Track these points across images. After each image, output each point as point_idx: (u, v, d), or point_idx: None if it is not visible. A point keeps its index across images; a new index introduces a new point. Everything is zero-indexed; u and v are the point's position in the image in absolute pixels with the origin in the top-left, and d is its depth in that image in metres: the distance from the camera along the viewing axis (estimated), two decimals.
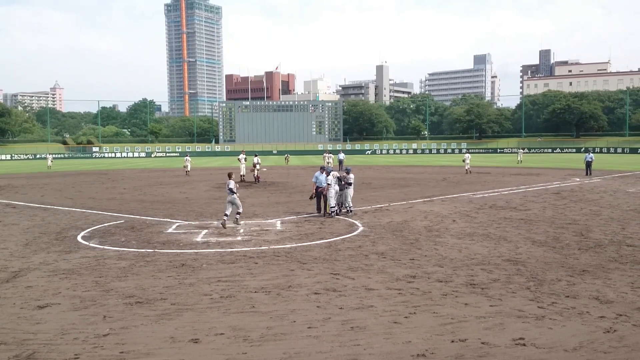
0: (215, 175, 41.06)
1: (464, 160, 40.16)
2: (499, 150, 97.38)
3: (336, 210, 17.70)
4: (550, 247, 12.38)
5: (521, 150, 58.19)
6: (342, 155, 48.88)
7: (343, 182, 18.11)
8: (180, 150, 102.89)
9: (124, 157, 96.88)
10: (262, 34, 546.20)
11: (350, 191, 18.23)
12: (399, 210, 19.26)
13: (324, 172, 18.06)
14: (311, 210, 18.60)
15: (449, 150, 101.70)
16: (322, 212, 17.95)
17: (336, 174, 18.41)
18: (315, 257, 11.57)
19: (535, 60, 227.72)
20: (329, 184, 17.56)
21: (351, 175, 18.34)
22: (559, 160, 62.71)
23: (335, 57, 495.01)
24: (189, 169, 41.86)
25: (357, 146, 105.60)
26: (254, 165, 32.24)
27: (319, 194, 17.97)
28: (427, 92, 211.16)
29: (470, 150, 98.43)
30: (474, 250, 12.20)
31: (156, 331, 7.16)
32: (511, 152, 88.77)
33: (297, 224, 16.23)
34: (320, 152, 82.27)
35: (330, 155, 49.66)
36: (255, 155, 33.68)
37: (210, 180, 35.48)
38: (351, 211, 18.05)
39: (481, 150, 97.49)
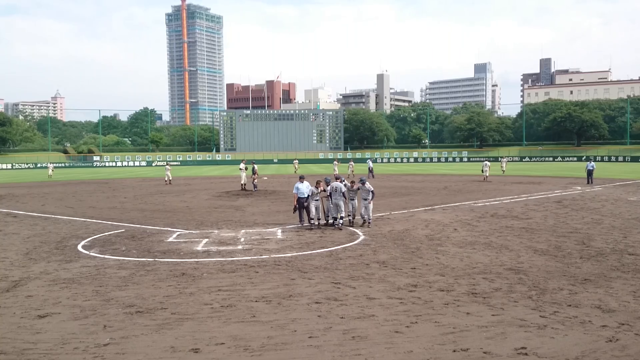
0: (215, 184, 41.09)
1: (488, 167, 40.38)
2: (500, 159, 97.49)
3: (336, 221, 17.07)
4: (552, 256, 12.35)
5: (504, 160, 56.87)
6: (370, 164, 49.12)
7: (352, 190, 17.54)
8: (181, 159, 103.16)
9: (125, 166, 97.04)
10: (263, 43, 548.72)
11: (367, 203, 17.24)
12: (400, 219, 19.23)
13: (303, 181, 17.63)
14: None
15: (450, 159, 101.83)
16: (305, 222, 17.43)
17: (348, 184, 17.75)
18: (316, 266, 11.54)
19: (535, 68, 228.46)
20: (330, 195, 17.24)
21: (367, 185, 17.25)
22: (560, 168, 62.71)
23: (335, 66, 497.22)
24: (170, 178, 41.57)
25: (358, 155, 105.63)
26: (254, 173, 32.32)
27: (301, 205, 17.37)
28: (427, 100, 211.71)
29: (471, 159, 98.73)
30: (475, 259, 12.17)
31: (156, 341, 7.13)
32: (511, 161, 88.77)
33: (298, 233, 16.20)
34: (329, 161, 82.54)
35: (352, 163, 50.17)
36: (253, 163, 33.75)
37: (211, 189, 35.49)
38: (369, 223, 17.20)
39: (482, 159, 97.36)
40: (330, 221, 17.33)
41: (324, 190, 17.42)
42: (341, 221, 16.91)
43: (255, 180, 32.40)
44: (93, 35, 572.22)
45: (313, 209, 17.16)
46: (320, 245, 14.06)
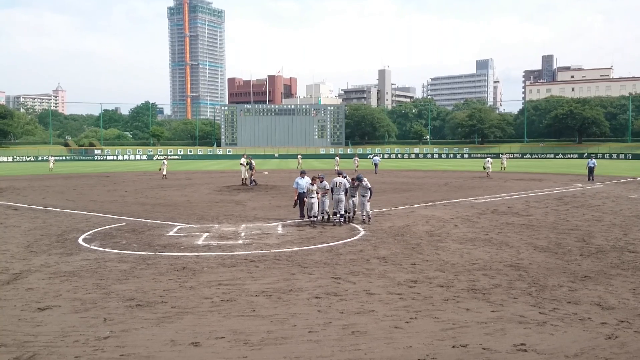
0: (216, 178, 41.11)
1: (490, 163, 40.37)
2: (501, 155, 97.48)
3: (334, 217, 16.98)
4: (552, 253, 12.35)
5: (505, 156, 56.14)
6: (377, 159, 48.86)
7: (354, 186, 17.11)
8: (182, 153, 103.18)
9: (126, 159, 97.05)
10: (265, 38, 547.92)
11: (365, 200, 16.93)
12: (400, 214, 19.24)
13: (304, 177, 17.50)
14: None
15: (451, 155, 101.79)
16: (305, 217, 17.27)
17: (349, 180, 17.40)
18: (316, 261, 11.56)
19: (537, 65, 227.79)
20: (326, 191, 17.05)
21: (365, 183, 16.92)
22: (561, 165, 62.67)
23: (337, 61, 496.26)
24: (164, 172, 41.04)
25: (359, 150, 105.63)
26: (251, 168, 32.12)
27: (302, 200, 17.29)
28: (429, 96, 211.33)
29: (472, 156, 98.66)
30: (475, 255, 12.17)
31: (156, 334, 7.15)
32: (512, 158, 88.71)
33: (299, 228, 16.21)
34: (330, 156, 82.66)
35: (357, 158, 50.09)
36: (250, 159, 33.52)
37: (212, 183, 35.51)
38: (369, 220, 16.98)
39: (483, 155, 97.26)
40: (326, 217, 17.31)
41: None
42: (342, 219, 16.87)
43: (253, 176, 32.28)
44: (94, 28, 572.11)
45: (315, 207, 16.82)
46: (320, 241, 14.08)
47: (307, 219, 17.23)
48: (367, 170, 46.14)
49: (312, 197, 16.88)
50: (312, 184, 16.94)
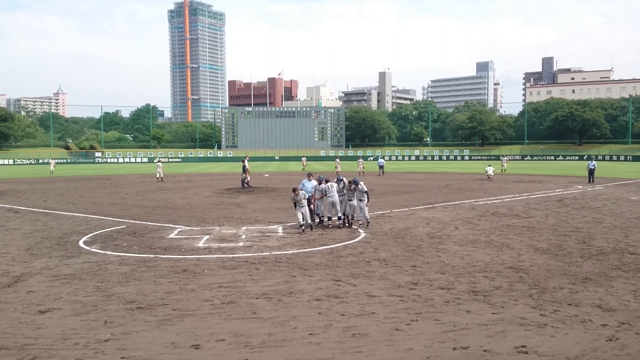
0: (217, 180, 41.11)
1: (492, 170, 40.30)
2: (501, 157, 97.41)
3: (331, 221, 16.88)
4: (553, 255, 12.35)
5: (505, 158, 55.86)
6: (381, 161, 48.70)
7: (350, 190, 16.87)
8: (182, 156, 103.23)
9: (127, 162, 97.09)
10: (265, 40, 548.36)
11: (363, 204, 16.58)
12: (401, 216, 19.23)
13: (311, 179, 17.44)
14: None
15: (451, 157, 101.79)
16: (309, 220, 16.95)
17: (346, 183, 17.12)
18: (316, 264, 11.56)
19: (537, 67, 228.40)
20: (322, 195, 16.95)
21: (361, 186, 16.58)
22: (561, 167, 62.64)
23: (338, 63, 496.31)
24: (161, 175, 40.80)
25: (360, 152, 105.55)
26: (244, 171, 31.81)
27: (308, 203, 16.88)
28: (429, 98, 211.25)
29: (472, 158, 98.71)
30: (476, 257, 12.17)
31: (157, 337, 7.15)
32: (513, 160, 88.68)
33: (299, 230, 16.19)
34: (330, 159, 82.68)
35: (361, 161, 49.97)
36: (243, 161, 33.12)
37: (212, 185, 35.51)
38: (368, 224, 16.63)
39: (483, 157, 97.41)
40: (325, 219, 17.25)
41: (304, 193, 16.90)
42: (340, 221, 16.81)
43: (248, 179, 31.96)
44: (95, 31, 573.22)
45: (307, 214, 16.42)
46: (321, 243, 14.08)
47: (310, 222, 17.19)
48: (372, 172, 46.20)
49: (303, 206, 16.34)
50: (295, 194, 16.28)
